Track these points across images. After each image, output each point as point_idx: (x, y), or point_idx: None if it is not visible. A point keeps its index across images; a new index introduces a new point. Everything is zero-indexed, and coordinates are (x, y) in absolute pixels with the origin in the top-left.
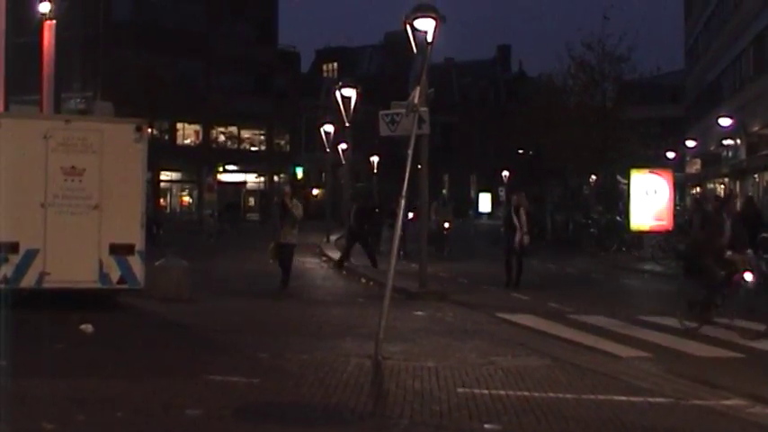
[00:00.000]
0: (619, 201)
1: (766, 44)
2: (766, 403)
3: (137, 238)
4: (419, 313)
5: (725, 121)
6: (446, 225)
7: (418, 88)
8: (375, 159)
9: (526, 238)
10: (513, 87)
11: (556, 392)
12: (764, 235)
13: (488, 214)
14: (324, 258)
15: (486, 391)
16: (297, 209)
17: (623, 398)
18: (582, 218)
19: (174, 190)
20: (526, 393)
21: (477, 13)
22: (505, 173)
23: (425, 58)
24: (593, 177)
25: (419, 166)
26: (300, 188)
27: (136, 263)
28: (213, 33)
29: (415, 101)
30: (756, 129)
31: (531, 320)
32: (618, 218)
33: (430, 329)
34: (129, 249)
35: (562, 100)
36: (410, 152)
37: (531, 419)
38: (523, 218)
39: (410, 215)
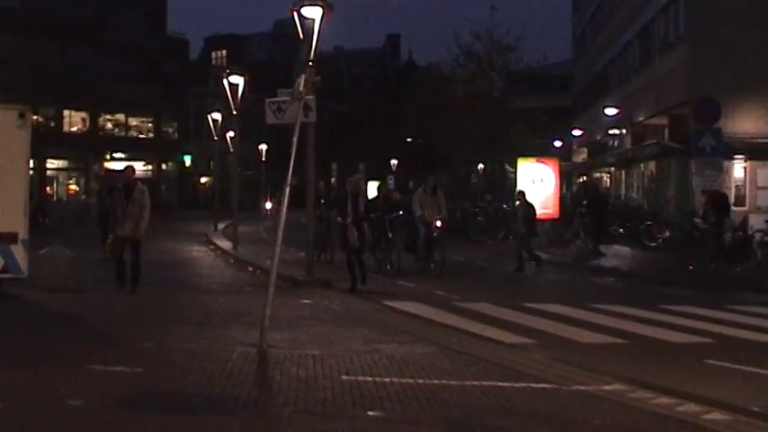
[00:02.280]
0: (503, 189)
1: (652, 36)
2: (647, 387)
3: (20, 226)
4: (305, 301)
5: (611, 111)
6: (438, 224)
7: (304, 76)
8: (263, 147)
9: (353, 237)
10: (403, 76)
11: (440, 379)
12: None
13: None
14: (211, 247)
15: (370, 379)
16: (141, 195)
17: (507, 384)
18: (470, 206)
19: (61, 178)
20: (410, 380)
21: (366, 2)
22: (394, 161)
23: (311, 46)
24: (482, 166)
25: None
26: (188, 176)
27: (19, 252)
28: (101, 20)
29: (301, 89)
30: (641, 119)
31: (416, 308)
32: (505, 206)
33: (316, 317)
34: (13, 238)
35: (450, 89)
36: (295, 140)
37: (415, 406)
38: (361, 206)
39: (267, 205)
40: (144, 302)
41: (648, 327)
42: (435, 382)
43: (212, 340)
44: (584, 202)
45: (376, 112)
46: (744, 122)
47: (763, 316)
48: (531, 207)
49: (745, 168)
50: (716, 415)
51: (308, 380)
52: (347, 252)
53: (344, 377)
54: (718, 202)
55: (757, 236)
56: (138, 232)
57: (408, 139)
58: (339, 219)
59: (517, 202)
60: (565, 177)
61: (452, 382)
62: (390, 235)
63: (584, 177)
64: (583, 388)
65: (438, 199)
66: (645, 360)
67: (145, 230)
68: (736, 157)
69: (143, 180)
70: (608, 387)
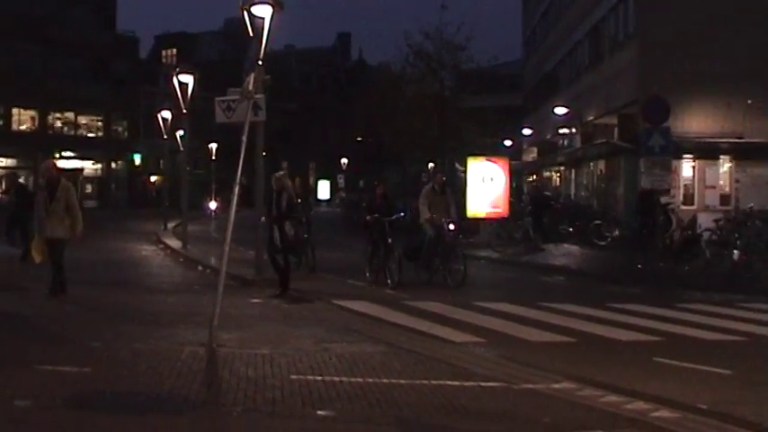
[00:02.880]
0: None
1: (602, 36)
2: (596, 385)
3: None
4: (255, 300)
5: (561, 111)
6: (451, 227)
7: (253, 75)
8: (214, 146)
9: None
10: (353, 75)
11: (389, 378)
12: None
13: (328, 201)
14: (161, 246)
15: (319, 378)
16: (66, 192)
17: (456, 383)
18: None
19: None
20: (360, 380)
21: (317, 0)
22: (345, 160)
23: (261, 45)
24: (432, 165)
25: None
26: (138, 175)
27: None
28: (51, 18)
29: (250, 87)
30: (591, 118)
31: (367, 307)
32: None
33: (265, 316)
34: None
35: (401, 88)
36: (244, 139)
37: (364, 405)
38: (283, 204)
39: (213, 204)
40: (92, 302)
41: (597, 325)
42: (385, 381)
43: (161, 340)
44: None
45: (326, 110)
46: (693, 122)
47: (710, 314)
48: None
49: (693, 168)
50: (664, 412)
51: (258, 379)
52: (270, 253)
53: (294, 376)
54: (645, 200)
55: (705, 235)
56: (68, 232)
57: (359, 138)
58: (262, 218)
59: None
60: (515, 176)
61: (402, 381)
62: (390, 240)
63: (535, 176)
64: (532, 386)
65: (447, 198)
66: (594, 358)
67: (81, 230)
68: (685, 156)
69: (83, 177)
70: (557, 385)
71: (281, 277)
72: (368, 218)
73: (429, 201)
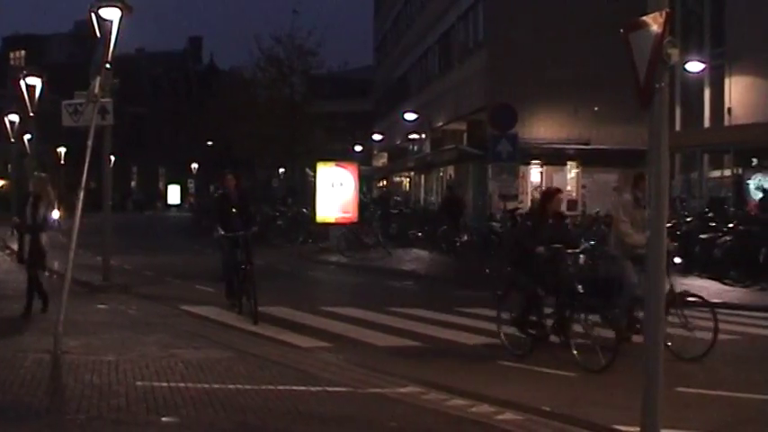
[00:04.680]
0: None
1: (451, 43)
2: (442, 389)
3: None
4: (102, 306)
5: (411, 116)
6: (676, 260)
7: (99, 78)
8: (62, 150)
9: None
10: (204, 79)
11: (235, 384)
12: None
13: (178, 206)
14: (8, 252)
15: (165, 384)
16: None
17: (302, 388)
18: (270, 210)
19: None
20: (206, 386)
21: (168, 3)
22: (195, 165)
23: (107, 48)
24: (283, 170)
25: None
26: None
27: None
28: None
29: (96, 91)
30: (440, 124)
31: (214, 312)
32: (304, 210)
33: (112, 323)
34: None
35: (252, 93)
36: (90, 143)
37: (210, 412)
38: (41, 212)
39: (56, 214)
40: None
41: (444, 329)
42: (231, 386)
43: (4, 347)
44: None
45: (177, 115)
46: (540, 128)
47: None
48: None
49: (541, 173)
50: (509, 415)
51: (103, 386)
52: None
53: (139, 383)
54: (451, 204)
55: None
56: None
57: (209, 143)
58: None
59: None
60: (365, 181)
61: (248, 387)
62: (250, 261)
63: (385, 182)
64: (378, 391)
65: (643, 212)
66: (440, 362)
67: None
68: (532, 162)
69: None
70: (403, 389)
71: (39, 294)
72: (220, 232)
73: (631, 216)
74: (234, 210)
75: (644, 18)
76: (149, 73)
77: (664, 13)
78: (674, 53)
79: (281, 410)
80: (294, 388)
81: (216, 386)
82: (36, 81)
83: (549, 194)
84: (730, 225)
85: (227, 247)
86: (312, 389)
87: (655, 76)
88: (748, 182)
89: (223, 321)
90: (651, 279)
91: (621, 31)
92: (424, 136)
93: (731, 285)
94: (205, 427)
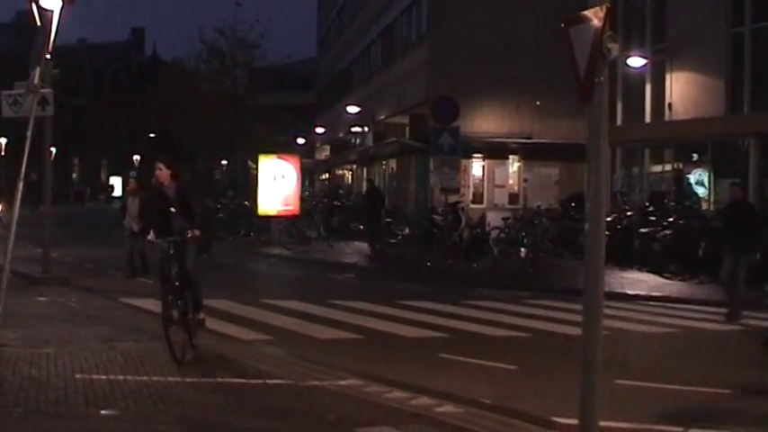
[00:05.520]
0: (245, 186)
1: (394, 37)
2: (381, 382)
3: None
4: (41, 299)
5: (353, 110)
6: None
7: (39, 68)
8: (2, 141)
9: None
10: (147, 71)
11: (175, 377)
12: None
13: (120, 198)
14: None
15: (104, 377)
16: None
17: (243, 380)
18: (211, 203)
19: None
20: (145, 378)
21: None
22: (137, 157)
23: (48, 38)
24: (225, 162)
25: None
26: None
27: None
28: None
29: (36, 81)
30: (383, 117)
31: (154, 305)
32: (246, 202)
33: (52, 315)
34: None
35: (194, 85)
36: (29, 134)
37: (149, 404)
38: None
39: None
40: None
41: (385, 322)
42: (171, 379)
43: None
44: (325, 200)
45: (119, 106)
46: (483, 122)
47: (496, 311)
48: None
49: (483, 167)
50: (448, 407)
51: (41, 379)
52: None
53: (79, 376)
54: (372, 197)
55: (494, 233)
56: None
57: (151, 135)
58: None
59: None
60: (307, 174)
61: (188, 380)
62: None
63: (327, 174)
64: (318, 383)
65: None
66: (380, 355)
67: None
68: (474, 155)
69: None
70: (343, 382)
71: None
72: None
73: None
74: (172, 209)
75: (584, 12)
76: (91, 64)
77: (604, 8)
78: (614, 48)
79: (221, 403)
80: (234, 381)
81: (155, 379)
82: None
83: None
84: (670, 219)
85: (164, 256)
86: (252, 381)
87: (595, 70)
88: (688, 176)
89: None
90: (589, 271)
91: (562, 25)
92: (366, 129)
93: (670, 279)
94: (144, 420)
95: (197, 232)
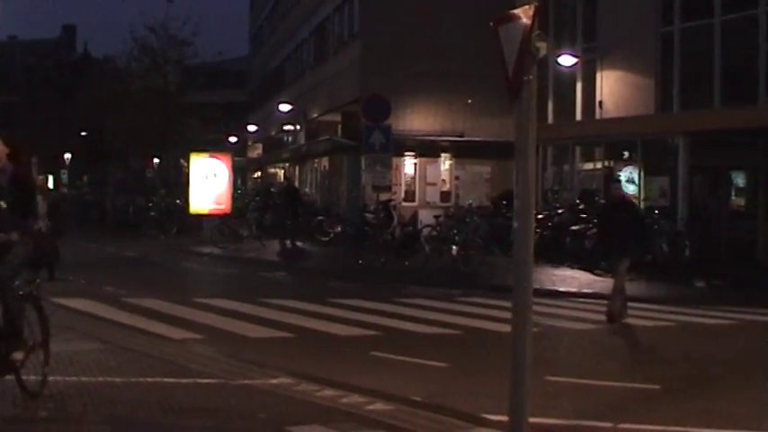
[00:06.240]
0: (177, 184)
1: (326, 35)
2: (312, 380)
3: None
4: None
5: (285, 108)
6: None
7: None
8: None
9: None
10: (78, 68)
11: (105, 377)
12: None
13: None
14: None
15: (33, 378)
16: None
17: (173, 380)
18: (143, 201)
19: None
20: (75, 378)
21: None
22: (68, 155)
23: None
24: (157, 160)
25: None
26: None
27: None
28: None
29: None
30: (315, 115)
31: (84, 304)
32: (178, 201)
33: None
34: None
35: (126, 83)
36: None
37: (78, 405)
38: None
39: None
40: None
41: (317, 320)
42: (100, 379)
43: None
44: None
45: (50, 104)
46: (415, 120)
47: (428, 308)
48: None
49: (415, 165)
50: (379, 405)
51: None
52: None
53: (8, 377)
54: (289, 195)
55: (426, 231)
56: None
57: (83, 133)
58: None
59: None
60: (239, 172)
61: (117, 380)
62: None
63: (260, 173)
64: (249, 382)
65: None
66: (312, 353)
67: None
68: (406, 153)
69: None
70: (274, 381)
71: None
72: None
73: None
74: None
75: (514, 11)
76: (22, 61)
77: (533, 7)
78: (543, 46)
79: (151, 403)
80: (165, 380)
81: (85, 379)
82: None
83: None
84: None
85: None
86: (183, 381)
87: (523, 69)
88: (619, 174)
89: (94, 313)
90: (518, 268)
91: (491, 24)
92: (298, 127)
93: (601, 276)
94: (74, 421)
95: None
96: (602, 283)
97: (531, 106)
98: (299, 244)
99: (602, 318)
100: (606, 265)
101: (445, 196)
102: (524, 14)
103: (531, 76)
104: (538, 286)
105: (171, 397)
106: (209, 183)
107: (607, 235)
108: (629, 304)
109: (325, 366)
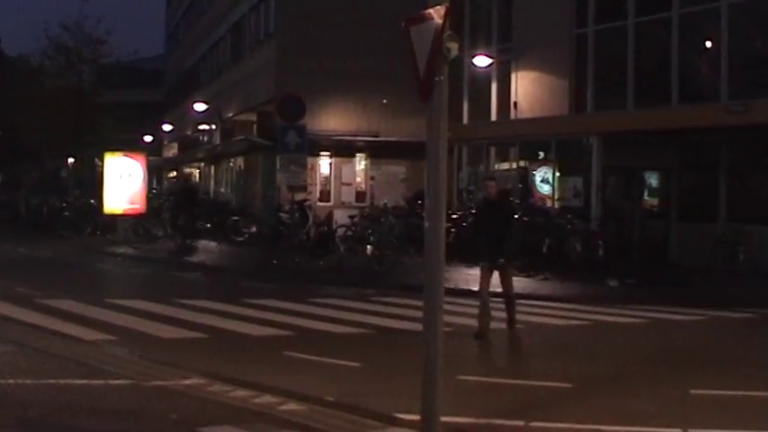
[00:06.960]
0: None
1: (243, 33)
2: (225, 381)
3: None
4: None
5: (200, 107)
6: None
7: None
8: None
9: None
10: None
11: (15, 379)
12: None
13: None
14: None
15: None
16: None
17: (84, 381)
18: (57, 201)
19: None
20: None
21: None
22: None
23: None
24: (72, 160)
25: None
26: None
27: None
28: None
29: None
30: (231, 115)
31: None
32: (92, 201)
33: None
34: None
35: (40, 81)
36: None
37: None
38: None
39: None
40: None
41: (230, 321)
42: (11, 381)
43: None
44: (171, 198)
45: None
46: (330, 120)
47: (342, 308)
48: None
49: (331, 165)
50: (292, 405)
51: None
52: None
53: None
54: (187, 193)
55: (341, 231)
56: None
57: None
58: None
59: None
60: (154, 172)
61: (28, 381)
62: None
63: (175, 172)
64: (161, 383)
65: None
66: (224, 354)
67: None
68: (322, 153)
69: None
70: (187, 381)
71: None
72: None
73: None
74: None
75: (425, 12)
76: None
77: (444, 7)
78: (454, 47)
79: (62, 405)
80: (76, 382)
81: None
82: None
83: None
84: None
85: None
86: (94, 382)
87: (434, 69)
88: (534, 174)
89: (5, 314)
90: (429, 268)
91: (403, 24)
92: (214, 127)
93: (515, 275)
94: None
95: None
96: (517, 283)
97: (443, 107)
98: (188, 242)
99: (516, 317)
100: (520, 265)
101: (360, 196)
102: (436, 14)
103: (442, 77)
104: (452, 286)
105: (83, 399)
106: (123, 182)
107: (479, 234)
108: (541, 303)
109: (239, 367)
